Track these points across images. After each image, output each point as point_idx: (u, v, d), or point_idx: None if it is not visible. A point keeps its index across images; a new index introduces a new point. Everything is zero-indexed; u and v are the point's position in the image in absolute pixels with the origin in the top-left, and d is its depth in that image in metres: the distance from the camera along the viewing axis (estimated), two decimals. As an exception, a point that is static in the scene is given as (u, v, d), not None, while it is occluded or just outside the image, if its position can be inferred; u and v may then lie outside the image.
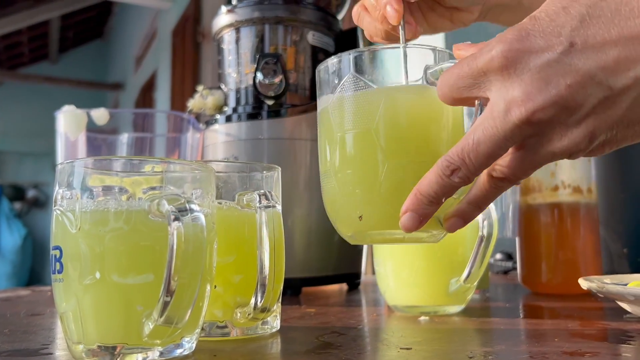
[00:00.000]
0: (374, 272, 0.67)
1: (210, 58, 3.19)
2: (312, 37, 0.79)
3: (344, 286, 0.83)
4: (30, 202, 6.50)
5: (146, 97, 4.65)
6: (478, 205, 0.37)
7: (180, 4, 3.79)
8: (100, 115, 0.69)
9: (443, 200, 0.36)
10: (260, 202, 0.41)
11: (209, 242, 0.35)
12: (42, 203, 6.52)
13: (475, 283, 0.54)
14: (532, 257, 0.73)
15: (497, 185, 0.36)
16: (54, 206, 0.35)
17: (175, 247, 0.31)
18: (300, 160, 0.74)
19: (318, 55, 0.80)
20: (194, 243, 0.32)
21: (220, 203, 0.43)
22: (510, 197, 0.77)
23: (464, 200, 0.37)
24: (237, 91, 0.78)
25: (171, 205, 0.31)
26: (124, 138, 0.86)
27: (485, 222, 0.51)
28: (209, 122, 0.79)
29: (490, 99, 0.33)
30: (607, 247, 0.87)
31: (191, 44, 3.30)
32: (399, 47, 0.41)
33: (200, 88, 0.81)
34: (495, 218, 0.52)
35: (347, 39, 0.84)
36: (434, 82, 0.39)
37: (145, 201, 0.33)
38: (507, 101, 0.32)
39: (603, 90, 0.31)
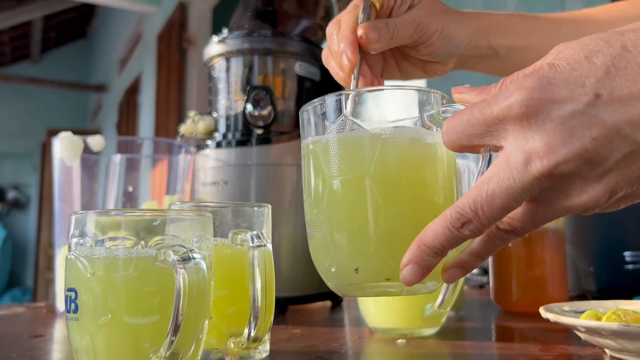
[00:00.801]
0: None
1: (196, 64, 3.21)
2: (299, 67, 0.83)
3: (328, 303, 0.87)
4: (10, 204, 6.45)
5: (130, 100, 4.65)
6: (480, 256, 0.36)
7: (166, 9, 3.80)
8: (97, 142, 0.72)
9: (448, 252, 0.35)
10: (252, 241, 0.45)
11: (208, 282, 0.39)
12: (22, 204, 6.47)
13: (449, 307, 0.58)
14: (504, 278, 0.78)
15: (503, 238, 0.34)
16: (69, 251, 0.38)
17: (181, 292, 0.35)
18: (287, 183, 0.78)
19: (304, 84, 0.84)
20: (197, 287, 0.36)
21: (215, 241, 0.47)
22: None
23: (467, 250, 0.36)
24: (227, 118, 0.82)
25: (176, 255, 0.35)
26: (117, 158, 0.90)
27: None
28: (200, 146, 0.83)
29: (505, 148, 0.32)
30: (575, 265, 0.93)
31: (176, 50, 3.32)
32: (400, 88, 0.41)
33: (192, 113, 0.85)
34: (467, 249, 0.57)
35: (332, 67, 0.88)
36: (430, 126, 0.39)
37: (152, 249, 0.37)
38: (527, 152, 0.31)
39: (629, 144, 0.30)
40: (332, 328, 0.66)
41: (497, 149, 0.33)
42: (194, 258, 0.36)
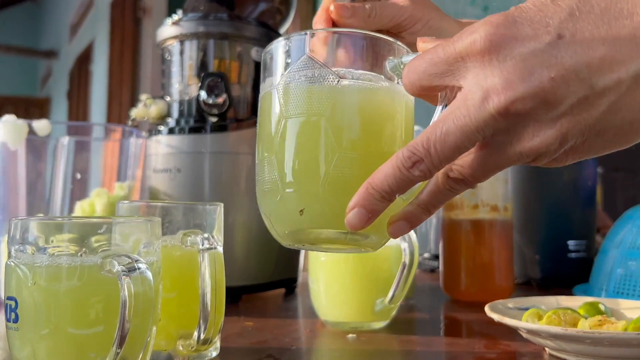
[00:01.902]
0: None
1: (150, 35, 3.11)
2: (256, 53, 0.82)
3: (282, 290, 0.88)
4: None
5: (82, 68, 4.49)
6: (428, 208, 0.35)
7: (120, -25, 3.65)
8: (43, 126, 0.70)
9: (396, 197, 0.34)
10: (202, 244, 0.44)
11: (156, 289, 0.38)
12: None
13: (399, 302, 0.59)
14: (453, 267, 0.80)
15: (452, 187, 0.34)
16: (9, 258, 0.37)
17: (127, 303, 0.34)
18: (242, 172, 0.77)
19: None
20: (143, 297, 0.35)
21: (164, 242, 0.46)
22: (434, 214, 0.83)
23: (414, 202, 0.36)
24: (181, 103, 0.80)
25: (121, 265, 0.35)
26: (65, 141, 0.86)
27: (408, 250, 0.57)
28: (152, 131, 0.81)
29: (464, 87, 0.32)
30: (522, 253, 0.96)
31: (131, 19, 3.21)
32: (362, 33, 0.39)
33: (143, 97, 0.82)
34: (416, 245, 0.57)
35: (290, 53, 0.87)
36: (392, 76, 0.38)
37: (97, 257, 0.36)
38: (485, 89, 0.30)
39: (585, 88, 0.30)
40: (285, 320, 0.66)
41: (454, 92, 0.33)
42: (139, 268, 0.35)
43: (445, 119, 0.32)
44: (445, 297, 0.81)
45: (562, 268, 0.94)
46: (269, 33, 0.83)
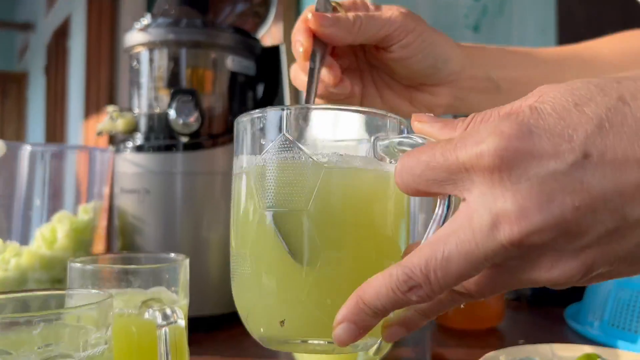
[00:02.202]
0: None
1: (130, 11, 3.00)
2: (232, 62, 0.75)
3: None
4: None
5: (59, 43, 4.34)
6: (427, 315, 0.32)
7: (97, -54, 3.50)
8: (-3, 147, 0.63)
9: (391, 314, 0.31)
10: (161, 320, 0.39)
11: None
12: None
13: (385, 352, 0.55)
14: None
15: (455, 300, 0.31)
16: None
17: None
18: (216, 192, 0.72)
19: (237, 79, 0.77)
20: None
21: (121, 310, 0.41)
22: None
23: (413, 307, 0.32)
24: (150, 117, 0.74)
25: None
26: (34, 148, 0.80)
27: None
28: (119, 147, 0.75)
29: (468, 201, 0.27)
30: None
31: (108, -6, 3.08)
32: (353, 110, 0.35)
33: (110, 109, 0.76)
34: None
35: (269, 58, 0.81)
36: (383, 157, 0.34)
37: (34, 353, 0.31)
38: (495, 213, 0.26)
39: (615, 219, 0.25)
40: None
41: (459, 199, 0.28)
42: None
43: (447, 239, 0.27)
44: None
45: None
46: (246, 40, 0.76)
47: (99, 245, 0.73)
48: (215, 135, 0.73)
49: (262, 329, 0.35)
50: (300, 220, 0.33)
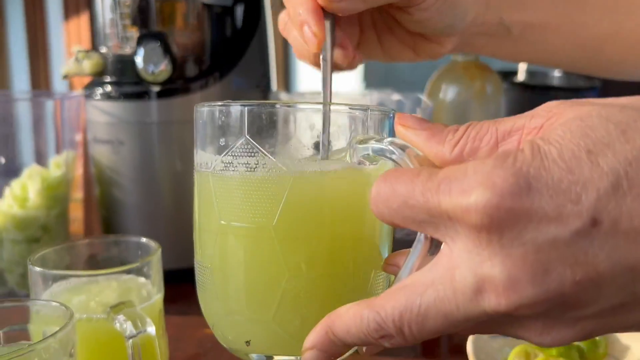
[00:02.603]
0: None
1: None
2: (205, -7, 0.67)
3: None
4: None
5: None
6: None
7: None
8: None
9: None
10: (130, 330, 0.36)
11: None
12: None
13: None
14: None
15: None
16: None
17: None
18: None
19: (213, 11, 0.69)
20: None
21: (90, 317, 0.38)
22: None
23: None
24: (118, 60, 0.67)
25: None
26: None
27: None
28: (88, 92, 0.69)
29: (451, 250, 0.23)
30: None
31: None
32: (317, 107, 0.30)
33: (75, 49, 0.69)
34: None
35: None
36: (363, 162, 0.30)
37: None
38: (480, 278, 0.22)
39: (622, 295, 0.22)
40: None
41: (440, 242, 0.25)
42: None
43: (425, 290, 0.24)
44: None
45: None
46: (220, -34, 0.68)
47: (77, 194, 0.70)
48: (190, 78, 0.67)
49: (228, 343, 0.33)
50: (265, 237, 0.29)
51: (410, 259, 0.26)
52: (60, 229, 0.65)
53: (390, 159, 0.28)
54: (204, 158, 0.32)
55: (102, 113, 0.67)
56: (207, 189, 0.31)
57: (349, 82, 0.71)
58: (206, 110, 0.32)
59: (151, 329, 0.38)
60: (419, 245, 0.26)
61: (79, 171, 0.70)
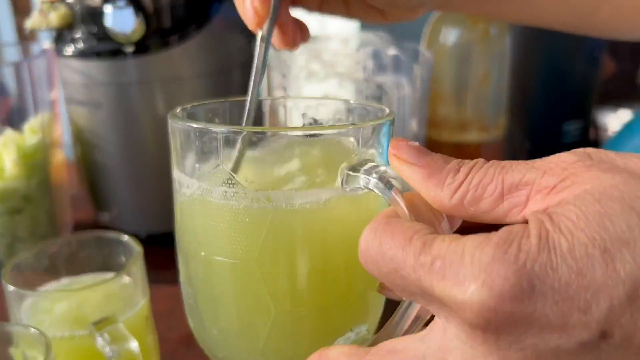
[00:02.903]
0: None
1: None
2: None
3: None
4: None
5: None
6: None
7: None
8: None
9: None
10: (110, 350, 0.35)
11: None
12: None
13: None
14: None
15: None
16: None
17: None
18: (179, 101, 0.63)
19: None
20: None
21: (72, 334, 0.36)
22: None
23: None
24: (88, 11, 0.61)
25: None
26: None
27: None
28: (59, 47, 0.63)
29: (445, 329, 0.22)
30: (510, 138, 0.86)
31: None
32: (304, 132, 0.27)
33: (40, 0, 0.63)
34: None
35: None
36: (355, 189, 0.27)
37: None
38: None
39: None
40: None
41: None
42: None
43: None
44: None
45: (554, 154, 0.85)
46: None
47: (58, 155, 0.66)
48: (167, 31, 0.61)
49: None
50: (248, 272, 0.27)
51: (401, 319, 0.24)
52: (42, 198, 0.63)
53: (383, 191, 0.25)
54: (181, 178, 0.30)
55: (74, 72, 0.62)
56: (186, 213, 0.29)
57: (344, 21, 0.66)
58: (179, 128, 0.29)
59: (134, 346, 0.36)
60: (411, 310, 0.24)
61: (56, 132, 0.66)
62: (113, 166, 0.64)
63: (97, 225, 0.70)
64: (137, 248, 0.40)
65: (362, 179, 0.25)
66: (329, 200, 0.26)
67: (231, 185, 0.26)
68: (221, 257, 0.28)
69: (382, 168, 0.25)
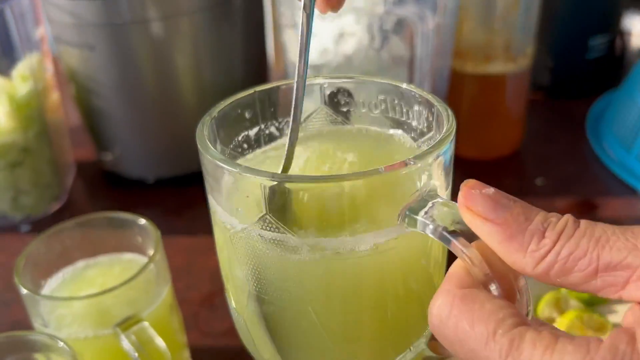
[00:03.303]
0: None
1: None
2: None
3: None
4: None
5: None
6: None
7: None
8: None
9: None
10: (136, 350, 0.33)
11: None
12: None
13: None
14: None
15: None
16: None
17: None
18: (181, 41, 0.57)
19: None
20: None
21: (97, 336, 0.35)
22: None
23: None
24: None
25: None
26: None
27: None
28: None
29: None
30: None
31: None
32: (356, 182, 0.22)
33: None
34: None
35: None
36: (424, 230, 0.23)
37: None
38: None
39: None
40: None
41: None
42: None
43: None
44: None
45: (578, 72, 0.80)
46: None
47: (53, 97, 0.62)
48: (162, -39, 0.54)
49: None
50: (301, 313, 0.25)
51: None
52: (42, 148, 0.59)
53: (451, 245, 0.22)
54: (219, 211, 0.26)
55: (62, 12, 0.55)
56: (230, 249, 0.26)
57: None
58: (214, 166, 0.24)
59: (161, 345, 0.35)
60: None
61: (48, 73, 0.61)
62: (112, 111, 0.60)
63: (100, 168, 0.67)
64: (155, 231, 0.38)
65: (421, 223, 0.22)
66: (388, 241, 0.23)
67: (280, 232, 0.23)
68: (271, 299, 0.26)
69: (445, 209, 0.22)
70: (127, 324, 0.35)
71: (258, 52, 0.64)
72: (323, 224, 0.23)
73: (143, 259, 0.40)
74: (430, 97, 0.28)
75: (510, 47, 0.60)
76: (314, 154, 0.29)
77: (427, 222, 0.22)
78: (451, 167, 0.26)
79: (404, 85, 0.29)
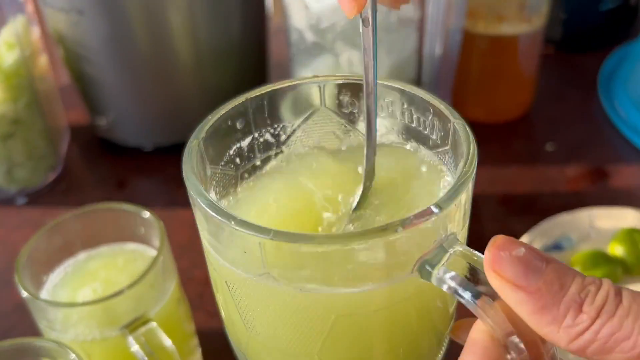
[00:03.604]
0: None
1: None
2: None
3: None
4: None
5: None
6: None
7: None
8: None
9: None
10: (144, 354, 0.33)
11: None
12: None
13: None
14: (459, 93, 0.64)
15: None
16: None
17: None
18: (174, 8, 0.54)
19: None
20: None
21: (104, 338, 0.34)
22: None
23: None
24: None
25: None
26: None
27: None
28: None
29: None
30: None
31: None
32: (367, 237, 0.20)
33: None
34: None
35: None
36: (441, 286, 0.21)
37: None
38: None
39: None
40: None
41: None
42: None
43: None
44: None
45: (591, 24, 0.77)
46: None
47: (41, 60, 0.59)
48: None
49: None
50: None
51: None
52: (33, 119, 0.57)
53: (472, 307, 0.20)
54: (216, 257, 0.24)
55: (45, -27, 0.51)
56: (226, 290, 0.24)
57: None
58: (208, 217, 0.22)
59: (170, 346, 0.34)
60: None
61: (35, 36, 0.57)
62: (105, 76, 0.57)
63: (95, 133, 0.65)
64: (158, 223, 0.37)
65: (436, 279, 0.20)
66: (402, 294, 0.22)
67: (277, 281, 0.22)
68: (276, 344, 0.24)
69: (465, 263, 0.20)
70: (134, 325, 0.34)
71: (256, 8, 0.61)
72: (332, 280, 0.21)
73: (146, 249, 0.39)
74: (443, 107, 0.25)
75: (525, 5, 0.56)
76: (319, 180, 0.27)
77: (445, 279, 0.20)
78: (470, 203, 0.23)
79: (415, 91, 0.27)
